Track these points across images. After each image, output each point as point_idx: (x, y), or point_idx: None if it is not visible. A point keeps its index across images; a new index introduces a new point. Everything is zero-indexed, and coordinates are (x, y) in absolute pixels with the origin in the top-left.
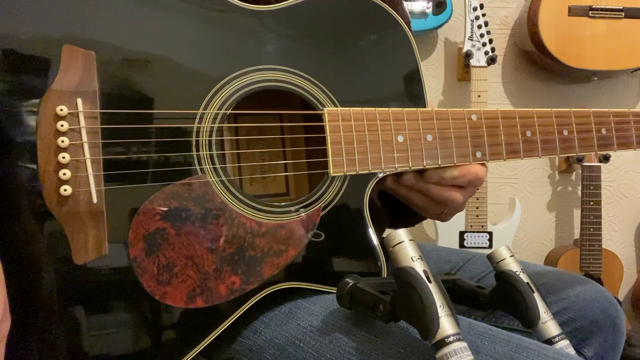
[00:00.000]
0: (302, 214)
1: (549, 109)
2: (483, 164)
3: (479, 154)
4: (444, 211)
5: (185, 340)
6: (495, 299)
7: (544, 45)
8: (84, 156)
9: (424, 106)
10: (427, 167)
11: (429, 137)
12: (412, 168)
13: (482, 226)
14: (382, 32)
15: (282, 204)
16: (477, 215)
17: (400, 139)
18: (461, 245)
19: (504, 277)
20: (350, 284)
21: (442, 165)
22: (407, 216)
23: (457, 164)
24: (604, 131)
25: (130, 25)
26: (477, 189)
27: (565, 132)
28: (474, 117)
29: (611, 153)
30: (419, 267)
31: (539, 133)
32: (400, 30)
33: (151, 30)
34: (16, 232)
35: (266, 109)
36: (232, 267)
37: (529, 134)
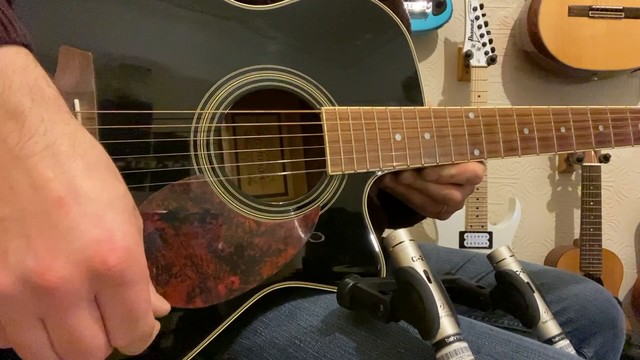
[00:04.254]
0: (301, 213)
1: (546, 107)
2: (481, 162)
3: (476, 152)
4: (443, 209)
5: (185, 340)
6: (495, 298)
7: (544, 46)
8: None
9: (422, 105)
10: (425, 165)
11: (427, 136)
12: (411, 166)
13: (482, 226)
14: (380, 32)
15: (281, 203)
16: (477, 216)
17: (398, 137)
18: (461, 245)
19: (504, 277)
20: (351, 284)
21: (440, 164)
22: (406, 215)
23: (455, 162)
24: (601, 128)
25: (127, 27)
26: (477, 189)
27: (563, 129)
28: (471, 115)
29: (611, 153)
30: (419, 267)
31: (537, 130)
32: (398, 31)
33: (148, 31)
34: None
35: (264, 108)
36: (231, 266)
37: (526, 131)
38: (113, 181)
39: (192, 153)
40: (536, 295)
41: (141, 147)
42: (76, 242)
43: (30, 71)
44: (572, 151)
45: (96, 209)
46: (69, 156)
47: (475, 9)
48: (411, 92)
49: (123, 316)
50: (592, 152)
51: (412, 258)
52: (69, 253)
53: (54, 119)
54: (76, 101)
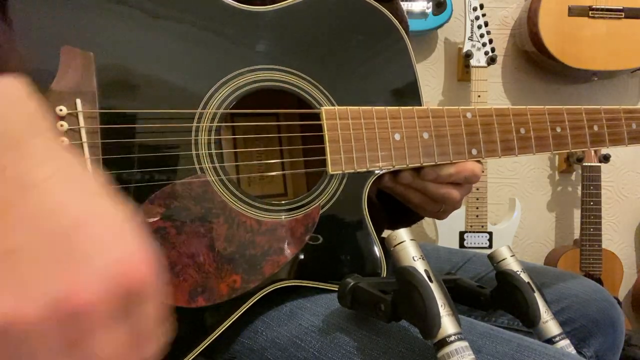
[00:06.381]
0: (302, 212)
1: (542, 107)
2: (479, 161)
3: (474, 151)
4: (441, 209)
5: (187, 339)
6: (496, 298)
7: (544, 46)
8: (84, 156)
9: (420, 105)
10: (423, 164)
11: (425, 135)
12: (410, 166)
13: (482, 226)
14: (378, 34)
15: (282, 202)
16: (477, 216)
17: (397, 137)
18: (461, 245)
19: (504, 277)
20: (352, 284)
21: (438, 163)
22: (405, 215)
23: (454, 162)
24: (595, 128)
25: (128, 27)
26: (477, 188)
27: (558, 129)
28: (469, 115)
29: (611, 153)
30: (420, 266)
31: (533, 130)
32: (397, 33)
33: (149, 32)
34: None
35: (263, 108)
36: (233, 265)
37: (522, 131)
38: (118, 201)
39: (194, 152)
40: (537, 295)
41: (143, 146)
42: (101, 263)
43: (27, 101)
44: (568, 151)
45: (115, 228)
46: (78, 180)
47: (475, 9)
48: (409, 93)
49: (152, 326)
50: (592, 152)
51: (413, 257)
52: (95, 274)
53: (55, 146)
54: (78, 100)
